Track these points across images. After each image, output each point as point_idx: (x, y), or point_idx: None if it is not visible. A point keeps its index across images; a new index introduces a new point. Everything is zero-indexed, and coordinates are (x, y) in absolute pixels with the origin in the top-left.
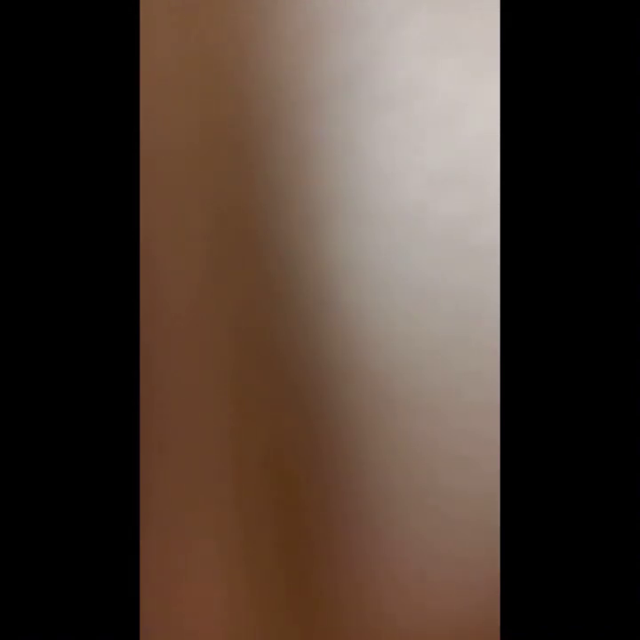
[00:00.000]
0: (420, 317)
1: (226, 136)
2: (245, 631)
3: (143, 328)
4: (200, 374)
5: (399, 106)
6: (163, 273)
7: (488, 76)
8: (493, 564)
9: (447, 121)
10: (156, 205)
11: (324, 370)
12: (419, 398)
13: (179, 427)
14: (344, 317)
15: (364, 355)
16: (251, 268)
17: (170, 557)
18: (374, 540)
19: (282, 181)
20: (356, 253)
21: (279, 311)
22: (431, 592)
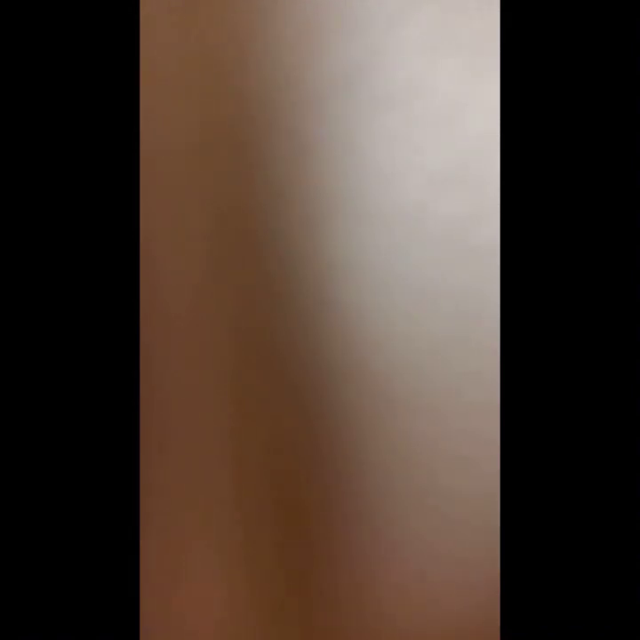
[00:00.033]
0: (419, 317)
1: (226, 136)
2: (245, 631)
3: (143, 328)
4: (200, 374)
5: (399, 106)
6: (163, 273)
7: (488, 76)
8: (493, 564)
9: (447, 121)
10: (156, 205)
11: (323, 370)
12: (419, 398)
13: (179, 427)
14: (344, 317)
15: (364, 355)
16: (251, 268)
17: (170, 557)
18: (374, 540)
19: (282, 181)
20: (355, 253)
21: (279, 311)
22: (431, 592)
